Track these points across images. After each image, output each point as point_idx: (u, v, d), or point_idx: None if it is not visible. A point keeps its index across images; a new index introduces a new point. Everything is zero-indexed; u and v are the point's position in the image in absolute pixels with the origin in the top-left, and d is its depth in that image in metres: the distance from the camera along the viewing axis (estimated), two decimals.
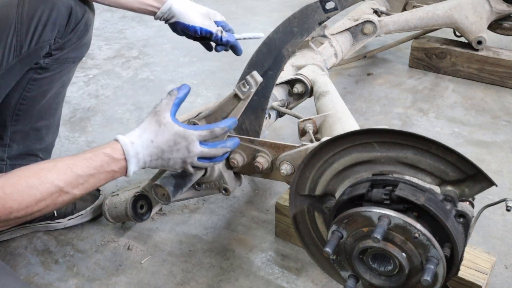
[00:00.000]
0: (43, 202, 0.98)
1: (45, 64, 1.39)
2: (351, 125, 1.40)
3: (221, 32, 1.44)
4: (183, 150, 1.15)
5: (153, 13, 1.42)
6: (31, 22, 1.29)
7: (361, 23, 2.19)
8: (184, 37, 1.49)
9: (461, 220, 0.98)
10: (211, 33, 1.43)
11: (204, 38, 1.47)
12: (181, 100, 1.22)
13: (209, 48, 1.53)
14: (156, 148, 1.13)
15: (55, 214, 1.57)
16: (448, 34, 2.57)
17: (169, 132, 1.14)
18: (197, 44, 1.53)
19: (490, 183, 0.96)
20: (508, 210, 1.00)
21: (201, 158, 1.18)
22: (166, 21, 1.45)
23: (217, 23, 1.46)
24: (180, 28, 1.45)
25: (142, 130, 1.13)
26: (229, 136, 1.33)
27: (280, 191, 1.72)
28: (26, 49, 1.32)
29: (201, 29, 1.42)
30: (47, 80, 1.42)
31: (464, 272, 1.24)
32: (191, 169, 1.19)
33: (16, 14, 1.28)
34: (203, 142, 1.17)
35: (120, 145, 1.09)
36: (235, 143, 1.23)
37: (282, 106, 1.65)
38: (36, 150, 1.52)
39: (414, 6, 2.54)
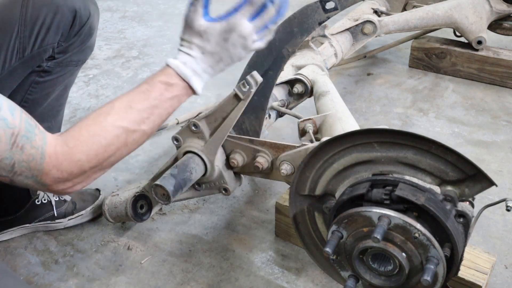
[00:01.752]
0: (112, 147, 0.96)
1: (47, 67, 1.38)
2: (351, 125, 1.40)
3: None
4: (238, 40, 1.07)
5: None
6: (34, 25, 1.29)
7: (361, 23, 2.19)
8: None
9: (461, 220, 0.98)
10: None
11: None
12: (207, 3, 1.11)
13: None
14: (211, 56, 1.08)
15: (55, 214, 1.57)
16: (448, 34, 2.57)
17: (213, 35, 1.06)
18: None
19: (490, 183, 0.96)
20: (508, 210, 1.00)
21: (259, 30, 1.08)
22: None
23: None
24: None
25: (187, 47, 1.08)
26: (229, 136, 1.33)
27: (280, 191, 1.72)
28: (29, 52, 1.31)
29: None
30: (49, 83, 1.42)
31: (464, 272, 1.24)
32: (258, 44, 1.10)
33: (20, 16, 1.27)
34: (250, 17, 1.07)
35: (172, 69, 1.05)
36: None
37: (282, 106, 1.65)
38: None
39: (414, 6, 2.54)
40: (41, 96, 1.43)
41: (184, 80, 1.06)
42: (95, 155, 0.95)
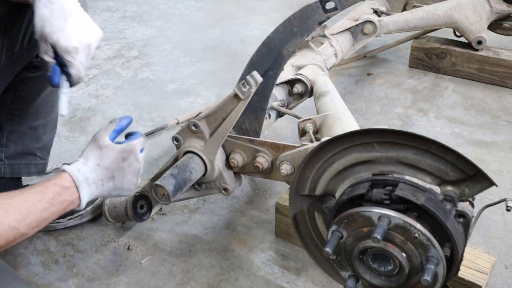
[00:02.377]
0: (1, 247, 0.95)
1: (37, 63, 1.38)
2: (351, 125, 1.40)
3: (47, 64, 1.11)
4: (134, 163, 1.16)
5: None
6: (22, 22, 1.29)
7: (361, 23, 2.19)
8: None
9: (461, 220, 0.98)
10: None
11: None
12: (122, 128, 1.20)
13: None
14: (105, 170, 1.13)
15: None
16: (448, 34, 2.57)
17: (113, 152, 1.14)
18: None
19: (490, 183, 0.96)
20: (508, 210, 1.00)
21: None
22: None
23: (62, 50, 1.10)
24: None
25: (85, 158, 1.13)
26: (229, 136, 1.34)
27: (280, 191, 1.72)
28: (18, 49, 1.31)
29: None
30: (40, 79, 1.42)
31: (464, 272, 1.24)
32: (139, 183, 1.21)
33: (7, 14, 1.27)
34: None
35: (67, 173, 1.08)
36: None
37: (282, 106, 1.65)
38: (33, 149, 1.52)
39: (414, 6, 2.54)
40: (32, 92, 1.43)
41: (76, 186, 1.08)
42: None
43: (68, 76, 1.13)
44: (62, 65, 1.12)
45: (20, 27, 1.29)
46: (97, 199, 1.63)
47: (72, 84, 1.15)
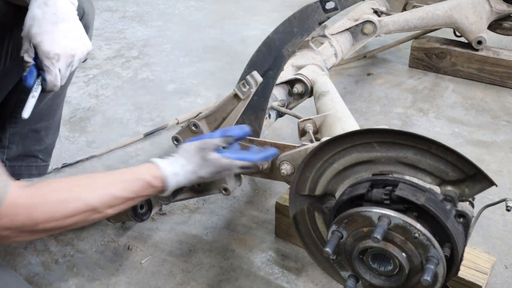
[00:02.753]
0: (73, 218, 0.95)
1: None
2: (351, 125, 1.40)
3: (25, 65, 1.11)
4: (223, 175, 1.19)
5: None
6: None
7: (361, 23, 2.19)
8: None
9: (461, 220, 0.98)
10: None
11: None
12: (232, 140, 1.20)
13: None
14: (197, 178, 1.14)
15: None
16: (448, 34, 2.57)
17: (214, 166, 1.14)
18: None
19: (490, 183, 0.96)
20: (508, 210, 1.00)
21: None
22: None
23: (43, 53, 1.08)
24: None
25: (186, 161, 1.12)
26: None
27: (280, 191, 1.72)
28: None
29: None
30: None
31: (464, 272, 1.24)
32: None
33: (12, 18, 1.27)
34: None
35: (163, 175, 1.08)
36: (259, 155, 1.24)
37: (282, 106, 1.65)
38: (35, 151, 1.52)
39: (414, 6, 2.54)
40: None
41: (165, 185, 1.09)
42: (53, 221, 0.93)
43: (43, 81, 1.10)
44: (40, 68, 1.09)
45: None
46: None
47: (44, 90, 1.12)
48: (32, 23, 1.08)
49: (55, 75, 1.10)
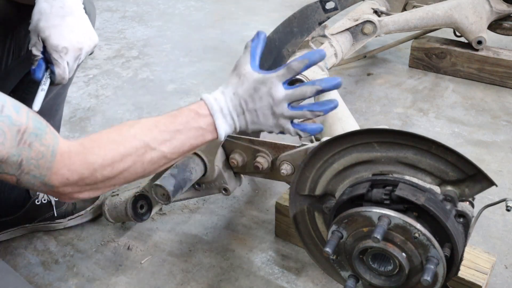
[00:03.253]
0: (129, 158, 0.93)
1: None
2: (351, 125, 1.40)
3: (33, 59, 1.11)
4: (265, 97, 1.04)
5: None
6: (29, 25, 1.28)
7: (361, 23, 2.19)
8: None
9: (461, 220, 0.98)
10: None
11: None
12: (256, 48, 1.09)
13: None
14: (239, 99, 1.05)
15: (55, 214, 1.57)
16: (448, 34, 2.57)
17: (248, 80, 1.04)
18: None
19: (490, 183, 0.96)
20: (508, 210, 1.00)
21: (293, 107, 1.06)
22: None
23: (51, 47, 1.10)
24: None
25: (224, 86, 1.07)
26: (229, 136, 1.33)
27: (280, 191, 1.72)
28: (25, 52, 1.31)
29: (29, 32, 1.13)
30: None
31: (464, 272, 1.24)
32: (290, 127, 1.07)
33: (14, 18, 1.27)
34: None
35: (203, 101, 1.03)
36: (311, 64, 1.06)
37: None
38: None
39: (414, 6, 2.54)
40: None
41: (211, 114, 1.03)
42: (110, 162, 0.91)
43: (52, 74, 1.12)
44: (48, 61, 1.10)
45: (27, 30, 1.28)
46: (97, 199, 1.63)
47: (53, 82, 1.13)
48: (40, 17, 1.08)
49: (64, 68, 1.11)
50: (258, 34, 1.10)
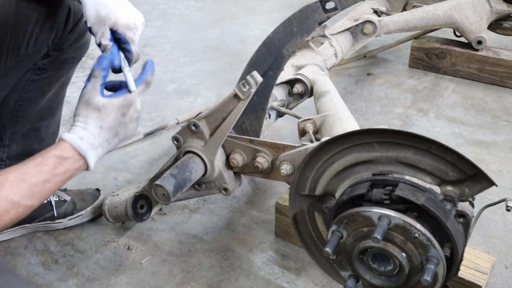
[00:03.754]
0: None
1: (43, 65, 1.38)
2: (351, 125, 1.40)
3: (104, 48, 1.14)
4: (134, 114, 1.11)
5: None
6: (28, 24, 1.28)
7: (361, 23, 2.19)
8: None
9: (461, 220, 0.98)
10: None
11: None
12: (105, 76, 1.12)
13: None
14: (109, 130, 1.08)
15: (55, 214, 1.57)
16: (448, 34, 2.57)
17: (112, 110, 1.07)
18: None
19: (490, 183, 0.96)
20: (508, 210, 1.00)
21: None
22: None
23: (117, 34, 1.14)
24: None
25: (83, 122, 1.07)
26: (229, 136, 1.33)
27: (280, 191, 1.72)
28: (24, 50, 1.31)
29: (90, 29, 1.15)
30: (45, 81, 1.42)
31: (464, 272, 1.24)
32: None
33: (14, 15, 1.27)
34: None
35: (68, 143, 1.04)
36: (149, 66, 1.18)
37: (282, 106, 1.65)
38: (35, 151, 1.50)
39: (414, 6, 2.54)
40: (37, 94, 1.43)
41: (80, 154, 1.05)
42: None
43: (128, 53, 1.14)
44: (119, 45, 1.13)
45: (26, 28, 1.28)
46: (97, 199, 1.63)
47: (131, 62, 1.15)
48: (97, 7, 1.11)
49: (137, 45, 1.14)
50: (102, 57, 1.12)
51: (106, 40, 1.12)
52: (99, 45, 1.13)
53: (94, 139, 1.06)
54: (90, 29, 1.13)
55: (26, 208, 0.98)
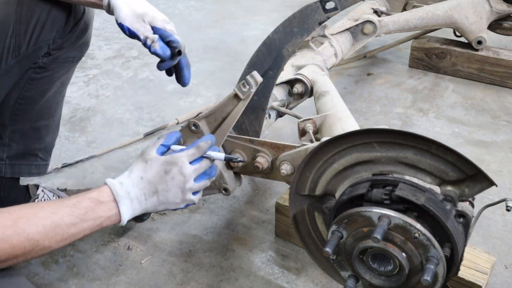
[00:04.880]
0: (11, 256, 0.91)
1: (43, 64, 1.38)
2: (351, 125, 1.40)
3: (152, 41, 1.19)
4: (177, 176, 1.11)
5: (100, 6, 1.26)
6: (29, 23, 1.29)
7: (361, 23, 2.19)
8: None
9: (461, 220, 0.98)
10: (138, 37, 1.20)
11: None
12: (168, 145, 1.18)
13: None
14: (148, 183, 1.09)
15: None
16: (448, 34, 2.57)
17: (156, 164, 1.10)
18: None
19: (490, 183, 0.96)
20: (508, 210, 1.00)
21: (196, 180, 1.16)
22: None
23: (156, 30, 1.20)
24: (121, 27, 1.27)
25: (129, 171, 1.10)
26: (229, 136, 1.33)
27: (280, 191, 1.72)
28: (25, 49, 1.31)
29: (128, 29, 1.19)
30: (45, 80, 1.42)
31: (464, 272, 1.24)
32: (194, 198, 1.16)
33: (15, 14, 1.27)
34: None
35: (108, 186, 1.04)
36: (212, 145, 1.20)
37: (282, 106, 1.65)
38: (35, 150, 1.52)
39: (414, 6, 2.54)
40: (37, 93, 1.43)
41: (115, 201, 1.04)
42: None
43: (174, 44, 1.22)
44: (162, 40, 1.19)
45: (27, 27, 1.29)
46: None
47: (181, 52, 1.22)
48: (132, 7, 1.18)
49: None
50: (174, 133, 1.22)
51: (151, 33, 1.18)
52: (145, 41, 1.18)
53: (132, 187, 1.07)
54: (128, 29, 1.18)
55: (43, 251, 0.95)
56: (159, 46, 1.18)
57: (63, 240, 0.98)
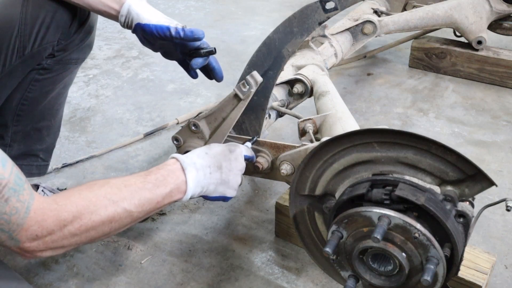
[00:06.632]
0: (98, 217, 0.95)
1: (47, 65, 1.38)
2: (351, 125, 1.40)
3: (184, 26, 1.28)
4: (239, 158, 1.20)
5: (115, 17, 1.33)
6: (34, 24, 1.29)
7: (361, 23, 2.19)
8: None
9: (461, 220, 0.98)
10: (168, 29, 1.26)
11: (171, 50, 1.37)
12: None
13: (188, 71, 1.42)
14: (214, 157, 1.15)
15: None
16: (448, 34, 2.57)
17: (219, 145, 1.19)
18: None
19: (490, 183, 0.96)
20: (508, 210, 1.00)
21: None
22: (131, 28, 1.36)
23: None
24: (141, 33, 1.35)
25: (193, 151, 1.18)
26: (229, 136, 1.34)
27: (280, 191, 1.72)
28: (29, 50, 1.31)
29: (155, 27, 1.26)
30: (49, 81, 1.42)
31: (464, 272, 1.24)
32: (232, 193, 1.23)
33: (20, 15, 1.27)
34: None
35: (174, 158, 1.11)
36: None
37: (282, 106, 1.65)
38: (36, 150, 1.52)
39: (414, 6, 2.54)
40: (40, 94, 1.43)
41: (182, 169, 1.10)
42: (80, 219, 0.92)
43: (203, 45, 1.37)
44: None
45: (32, 28, 1.29)
46: None
47: (212, 51, 1.35)
48: (154, 12, 1.31)
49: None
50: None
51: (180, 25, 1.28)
52: (177, 29, 1.26)
53: (198, 159, 1.12)
54: (156, 27, 1.27)
55: (127, 213, 0.99)
56: (192, 29, 1.29)
57: (141, 205, 1.01)
